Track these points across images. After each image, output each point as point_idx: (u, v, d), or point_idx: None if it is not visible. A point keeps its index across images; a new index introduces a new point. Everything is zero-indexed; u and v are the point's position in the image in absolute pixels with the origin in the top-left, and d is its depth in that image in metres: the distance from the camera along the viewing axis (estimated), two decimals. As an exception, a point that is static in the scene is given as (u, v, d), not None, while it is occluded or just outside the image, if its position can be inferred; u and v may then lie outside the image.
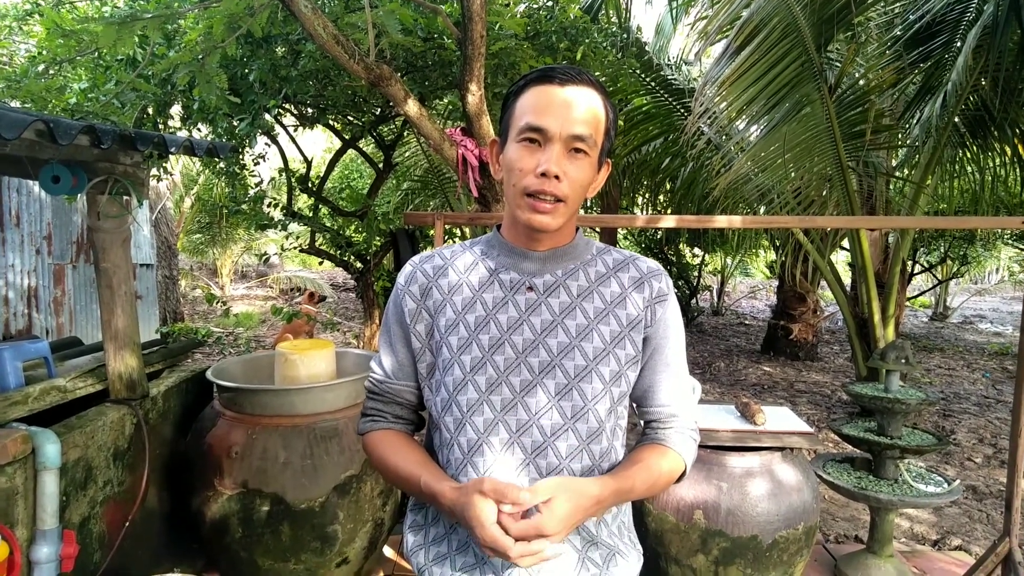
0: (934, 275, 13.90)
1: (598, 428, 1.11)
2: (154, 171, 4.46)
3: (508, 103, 1.13)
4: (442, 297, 1.16)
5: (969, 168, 5.88)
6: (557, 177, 1.05)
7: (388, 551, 3.05)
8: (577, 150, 1.07)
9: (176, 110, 4.24)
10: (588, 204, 8.42)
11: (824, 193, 5.39)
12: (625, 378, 1.15)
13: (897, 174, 6.29)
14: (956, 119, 5.10)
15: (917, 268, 12.07)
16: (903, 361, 2.83)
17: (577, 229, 1.21)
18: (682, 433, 1.20)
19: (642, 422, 1.25)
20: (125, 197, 2.53)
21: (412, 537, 1.22)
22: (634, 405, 1.25)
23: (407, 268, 1.21)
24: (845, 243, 6.52)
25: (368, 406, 1.25)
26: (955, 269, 13.38)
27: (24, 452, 2.00)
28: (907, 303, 11.68)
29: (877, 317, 5.57)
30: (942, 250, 12.14)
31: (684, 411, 1.21)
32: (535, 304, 1.13)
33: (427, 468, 1.12)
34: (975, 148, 5.62)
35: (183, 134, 4.16)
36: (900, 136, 6.03)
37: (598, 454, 1.12)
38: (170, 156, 3.20)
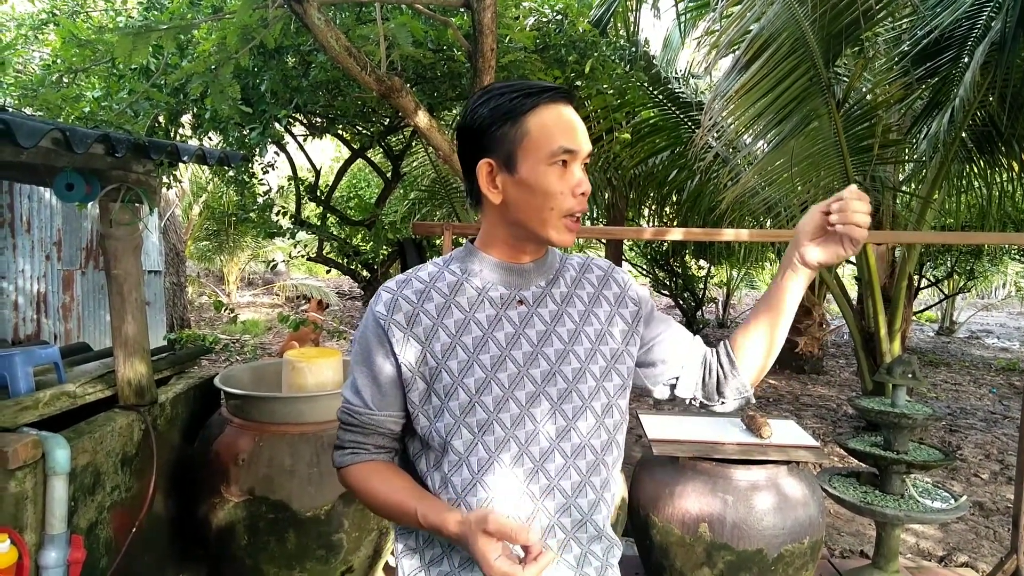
0: (940, 290, 13.83)
1: (596, 423, 1.15)
2: (164, 178, 4.49)
3: (510, 123, 1.07)
4: (432, 322, 1.12)
5: (976, 183, 5.88)
6: (585, 194, 1.11)
7: (392, 560, 3.05)
8: (585, 166, 1.12)
9: (187, 118, 4.28)
10: (595, 216, 8.41)
11: (831, 207, 5.38)
12: (616, 371, 1.19)
13: (904, 188, 6.29)
14: (963, 134, 5.10)
15: (923, 282, 12.03)
16: (909, 376, 2.83)
17: None
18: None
19: (710, 358, 1.30)
20: (137, 204, 2.56)
21: (407, 562, 1.19)
22: (681, 367, 1.28)
23: (384, 295, 1.15)
24: (851, 256, 6.50)
25: (346, 439, 1.20)
26: (962, 284, 13.32)
27: (34, 457, 2.02)
28: (913, 317, 11.64)
29: (883, 331, 5.56)
30: (949, 264, 12.09)
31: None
32: (527, 317, 1.15)
33: (423, 499, 1.10)
34: (982, 163, 5.61)
35: (194, 142, 4.20)
36: (907, 151, 6.03)
37: (599, 448, 1.15)
38: (181, 164, 3.24)
